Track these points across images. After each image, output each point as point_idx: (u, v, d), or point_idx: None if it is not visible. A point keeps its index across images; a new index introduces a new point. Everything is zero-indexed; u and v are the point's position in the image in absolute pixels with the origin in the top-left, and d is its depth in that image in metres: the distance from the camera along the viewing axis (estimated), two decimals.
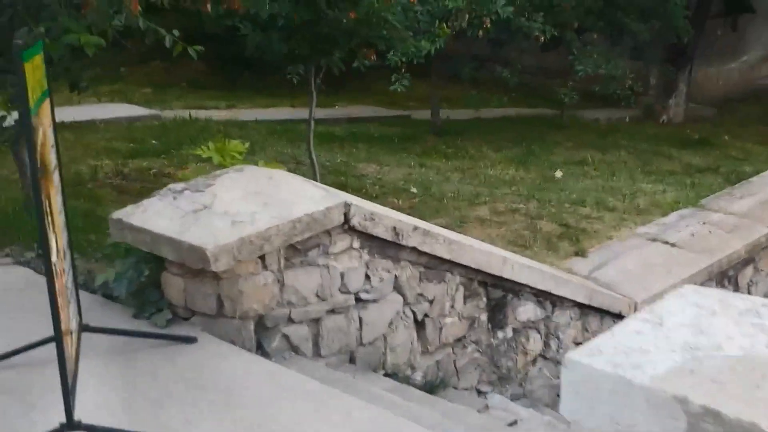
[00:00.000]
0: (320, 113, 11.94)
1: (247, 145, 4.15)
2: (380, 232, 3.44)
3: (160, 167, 6.93)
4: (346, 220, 3.30)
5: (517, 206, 6.11)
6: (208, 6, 3.78)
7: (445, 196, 6.38)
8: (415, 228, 3.57)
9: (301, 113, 11.13)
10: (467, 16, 7.72)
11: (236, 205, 3.20)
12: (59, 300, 2.37)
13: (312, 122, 5.97)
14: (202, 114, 10.09)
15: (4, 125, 4.47)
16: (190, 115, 9.59)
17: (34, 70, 2.48)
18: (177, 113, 10.09)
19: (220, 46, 9.26)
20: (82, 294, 3.26)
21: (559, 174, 7.61)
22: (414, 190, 6.45)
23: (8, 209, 4.66)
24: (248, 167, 3.65)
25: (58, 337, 2.31)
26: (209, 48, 4.46)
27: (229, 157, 3.72)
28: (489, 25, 7.64)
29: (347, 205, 3.29)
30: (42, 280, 3.86)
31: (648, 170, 8.62)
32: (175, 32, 3.82)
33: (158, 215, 3.17)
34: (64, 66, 4.58)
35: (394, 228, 3.48)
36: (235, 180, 3.46)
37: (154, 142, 8.01)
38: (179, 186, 3.38)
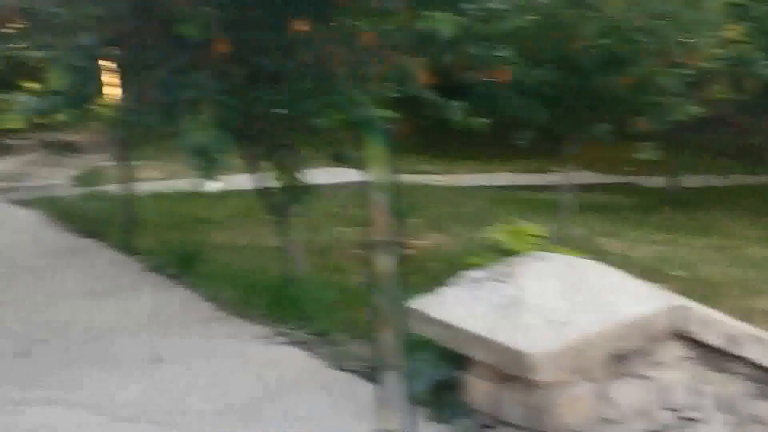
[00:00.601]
0: (535, 179, 11.53)
1: (546, 229, 3.79)
2: (711, 339, 2.89)
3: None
4: (675, 323, 2.79)
5: None
6: (508, 74, 3.55)
7: (711, 281, 5.65)
8: (753, 336, 2.98)
9: (521, 179, 10.78)
10: (725, 79, 7.02)
11: (549, 301, 2.80)
12: None
13: (569, 195, 5.54)
14: (420, 179, 10.01)
15: (275, 198, 4.46)
16: (410, 181, 9.52)
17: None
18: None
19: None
20: (366, 387, 3.03)
21: None
22: (677, 272, 5.77)
23: (272, 282, 4.61)
24: (548, 255, 3.27)
25: None
26: (416, 111, 4.21)
27: (523, 241, 3.37)
28: (753, 88, 6.90)
29: (678, 307, 2.79)
30: (317, 364, 3.72)
31: None
32: (464, 104, 3.59)
33: (460, 307, 2.85)
34: (330, 137, 4.57)
35: (729, 335, 2.91)
36: (539, 269, 3.07)
37: None
38: (477, 274, 3.05)
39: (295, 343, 3.81)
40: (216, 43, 3.43)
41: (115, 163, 11.99)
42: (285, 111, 3.94)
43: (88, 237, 6.38)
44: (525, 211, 8.07)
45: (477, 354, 2.74)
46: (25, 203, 8.01)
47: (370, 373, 3.40)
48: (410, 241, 6.97)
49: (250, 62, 3.75)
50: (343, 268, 5.68)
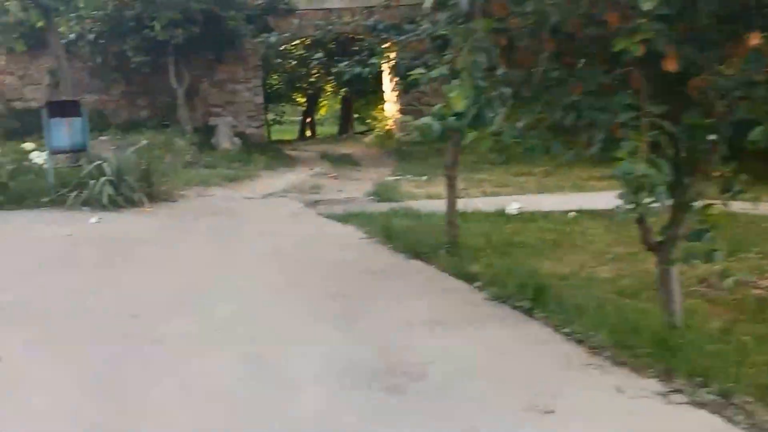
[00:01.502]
0: None
1: None
2: None
3: (737, 273, 6.06)
4: None
5: None
6: None
7: None
8: None
9: None
10: None
11: None
12: None
13: None
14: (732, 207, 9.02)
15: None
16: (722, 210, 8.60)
17: None
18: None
19: None
20: None
21: None
22: None
23: (642, 324, 4.19)
24: None
25: None
26: None
27: None
28: None
29: None
30: None
31: None
32: None
33: None
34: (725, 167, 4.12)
35: None
36: None
37: None
38: None
39: (696, 404, 3.39)
40: (665, 61, 3.17)
41: (398, 177, 12.33)
42: (714, 137, 3.57)
43: (411, 257, 6.41)
44: None
45: None
46: (339, 218, 8.30)
47: None
48: (757, 281, 6.20)
49: (683, 82, 3.42)
50: (689, 309, 5.13)
